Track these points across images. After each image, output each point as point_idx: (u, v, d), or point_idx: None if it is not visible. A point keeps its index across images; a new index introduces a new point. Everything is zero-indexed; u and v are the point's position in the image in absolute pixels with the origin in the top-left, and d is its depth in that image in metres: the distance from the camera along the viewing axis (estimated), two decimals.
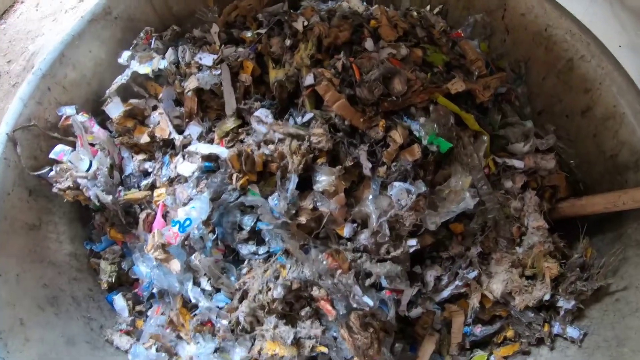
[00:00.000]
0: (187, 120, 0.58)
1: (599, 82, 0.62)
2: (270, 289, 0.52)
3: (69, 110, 0.57)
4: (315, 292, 0.51)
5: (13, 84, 1.14)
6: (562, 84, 0.65)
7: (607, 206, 0.57)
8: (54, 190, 0.55)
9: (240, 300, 0.53)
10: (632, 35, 0.99)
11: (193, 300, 0.56)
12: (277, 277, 0.52)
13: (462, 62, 0.61)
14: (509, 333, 0.58)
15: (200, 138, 0.57)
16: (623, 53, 0.98)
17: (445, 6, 0.69)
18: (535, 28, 0.65)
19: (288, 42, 0.57)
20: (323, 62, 0.57)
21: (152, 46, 0.59)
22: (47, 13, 1.24)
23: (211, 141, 0.57)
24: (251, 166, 0.52)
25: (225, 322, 0.55)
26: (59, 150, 0.55)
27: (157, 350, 0.57)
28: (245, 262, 0.55)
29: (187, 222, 0.50)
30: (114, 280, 0.60)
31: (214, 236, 0.53)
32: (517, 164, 0.58)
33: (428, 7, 0.68)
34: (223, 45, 0.58)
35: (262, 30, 0.58)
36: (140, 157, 0.59)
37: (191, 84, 0.55)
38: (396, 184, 0.53)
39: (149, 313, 0.60)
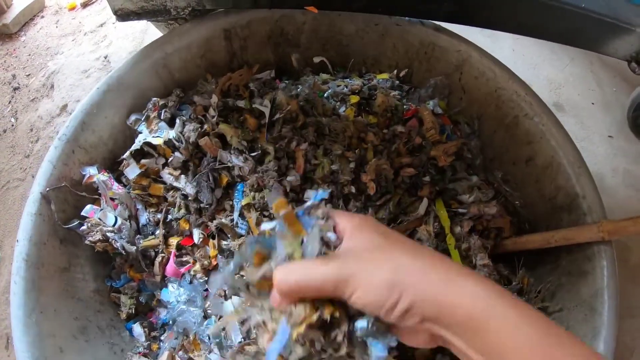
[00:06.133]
0: None
1: (539, 137, 0.73)
2: None
3: (91, 170, 0.67)
4: None
5: (32, 98, 1.14)
6: (509, 137, 0.76)
7: (543, 243, 0.69)
8: (86, 242, 0.65)
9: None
10: (607, 92, 1.08)
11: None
12: None
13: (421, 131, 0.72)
14: None
15: None
16: (595, 109, 1.07)
17: (410, 70, 0.80)
18: (486, 89, 0.76)
19: None
20: None
21: (161, 117, 0.69)
22: (66, 32, 1.25)
23: None
24: None
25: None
26: (89, 209, 0.65)
27: None
28: None
29: None
30: (132, 312, 0.71)
31: None
32: (463, 212, 0.69)
33: (395, 72, 0.78)
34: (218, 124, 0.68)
35: (256, 104, 0.68)
36: (152, 209, 0.69)
37: None
38: None
39: (162, 338, 0.71)
